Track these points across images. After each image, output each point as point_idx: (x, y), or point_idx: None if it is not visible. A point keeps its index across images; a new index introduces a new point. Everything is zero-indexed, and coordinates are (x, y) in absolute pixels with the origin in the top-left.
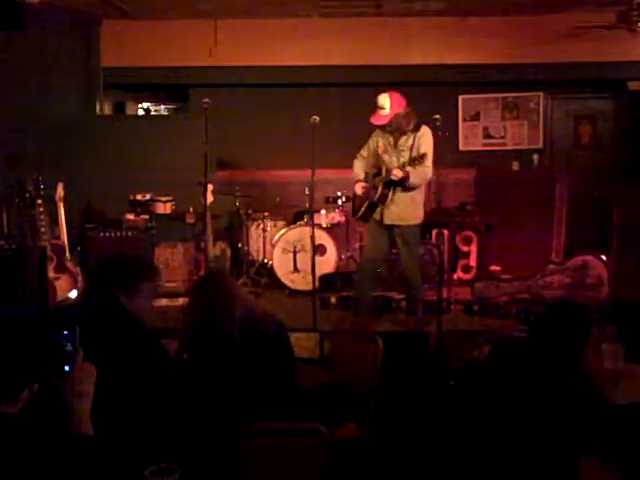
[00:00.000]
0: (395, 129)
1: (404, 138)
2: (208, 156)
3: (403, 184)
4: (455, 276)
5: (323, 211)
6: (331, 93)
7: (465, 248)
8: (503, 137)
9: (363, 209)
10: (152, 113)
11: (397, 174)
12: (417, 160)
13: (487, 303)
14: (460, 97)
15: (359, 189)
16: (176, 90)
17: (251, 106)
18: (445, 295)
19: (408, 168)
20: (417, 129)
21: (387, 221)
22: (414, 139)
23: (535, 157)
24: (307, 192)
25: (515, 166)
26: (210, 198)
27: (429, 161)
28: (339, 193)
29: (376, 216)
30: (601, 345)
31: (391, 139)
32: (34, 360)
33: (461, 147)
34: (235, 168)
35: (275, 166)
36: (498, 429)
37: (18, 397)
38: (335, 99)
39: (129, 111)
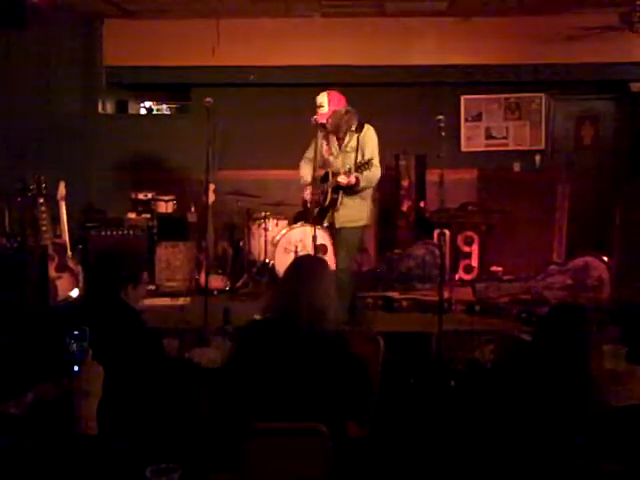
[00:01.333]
0: (335, 128)
1: (348, 139)
2: (210, 155)
3: (353, 189)
4: (456, 276)
5: None
6: None
7: (467, 248)
8: (505, 138)
9: (314, 215)
10: (154, 112)
11: (342, 181)
12: (363, 166)
13: (488, 304)
14: (462, 97)
15: (308, 195)
16: (178, 89)
17: (253, 106)
18: (446, 295)
19: (355, 174)
20: (360, 129)
21: (338, 224)
22: (358, 140)
23: (537, 158)
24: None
25: (517, 167)
26: (212, 197)
27: (376, 161)
28: None
29: (328, 220)
30: (602, 346)
31: (335, 141)
32: (36, 361)
33: (463, 148)
34: (237, 167)
35: (277, 165)
36: (499, 430)
37: (23, 398)
38: None
39: (131, 110)
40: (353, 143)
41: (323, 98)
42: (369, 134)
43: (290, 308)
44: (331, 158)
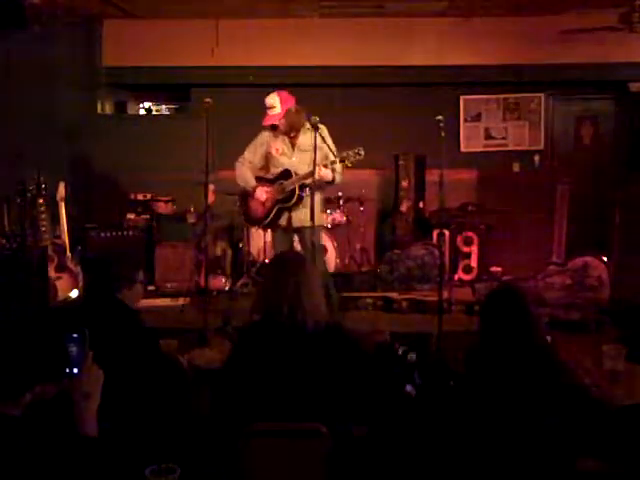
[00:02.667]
0: (289, 128)
1: (302, 137)
2: (209, 156)
3: (325, 185)
4: (456, 277)
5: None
6: (332, 93)
7: (466, 249)
8: (504, 138)
9: (272, 215)
10: (154, 113)
11: (325, 175)
12: (354, 156)
13: None
14: (461, 98)
15: (262, 194)
16: (178, 90)
17: (253, 106)
18: (446, 296)
19: (337, 166)
20: (316, 127)
21: (297, 224)
22: (321, 138)
23: (536, 158)
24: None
25: (516, 167)
26: (211, 198)
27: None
28: (340, 194)
29: (282, 221)
30: (602, 346)
31: (287, 140)
32: (35, 361)
33: (462, 148)
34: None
35: None
36: (495, 430)
37: (21, 399)
38: (336, 99)
39: (130, 111)
40: (311, 141)
41: (274, 99)
42: (325, 132)
43: (272, 307)
44: (284, 159)
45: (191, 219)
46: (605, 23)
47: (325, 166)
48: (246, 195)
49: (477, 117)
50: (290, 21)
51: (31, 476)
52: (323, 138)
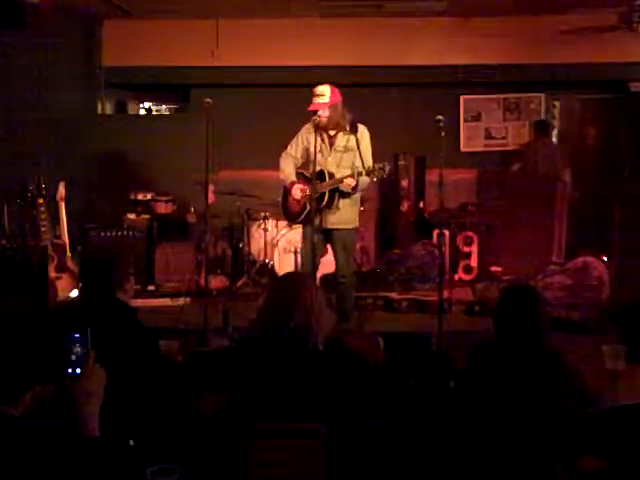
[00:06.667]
0: (330, 122)
1: (341, 138)
2: (209, 156)
3: (350, 193)
4: (456, 277)
5: None
6: None
7: (466, 249)
8: (504, 138)
9: (304, 215)
10: (153, 113)
11: (351, 184)
12: (378, 172)
13: (488, 304)
14: (461, 98)
15: (298, 193)
16: (178, 90)
17: (252, 106)
18: (446, 295)
19: (365, 178)
20: (355, 130)
21: (328, 225)
22: (356, 141)
23: None
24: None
25: (516, 167)
26: (211, 198)
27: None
28: None
29: (317, 221)
30: (602, 346)
31: (325, 137)
32: (35, 361)
33: (462, 148)
34: (236, 168)
35: (276, 166)
36: (495, 428)
37: (20, 399)
38: None
39: (130, 111)
40: (349, 143)
41: (325, 88)
42: (365, 135)
43: (272, 328)
44: (319, 156)
45: (191, 219)
46: (605, 23)
47: (352, 176)
48: (287, 190)
49: (477, 117)
50: (290, 21)
51: (32, 476)
52: (358, 143)
